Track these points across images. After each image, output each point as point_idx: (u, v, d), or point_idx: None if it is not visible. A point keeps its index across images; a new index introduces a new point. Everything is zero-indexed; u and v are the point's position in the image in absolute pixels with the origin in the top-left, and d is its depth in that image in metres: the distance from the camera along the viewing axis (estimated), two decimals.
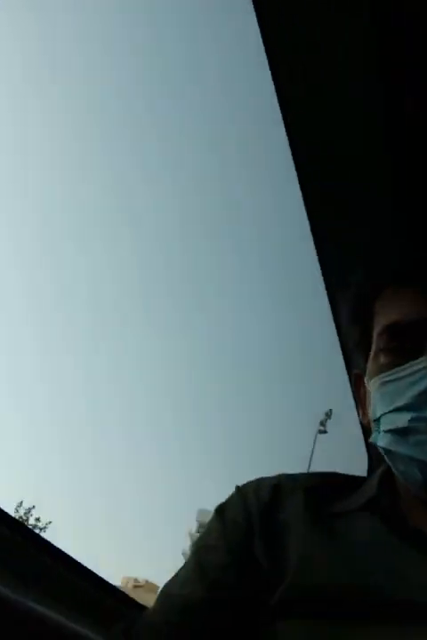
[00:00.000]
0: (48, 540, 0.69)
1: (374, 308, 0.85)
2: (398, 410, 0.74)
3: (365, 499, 0.77)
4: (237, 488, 0.83)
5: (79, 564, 0.75)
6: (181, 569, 0.77)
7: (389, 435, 0.75)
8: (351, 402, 1.35)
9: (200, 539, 0.80)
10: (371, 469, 1.80)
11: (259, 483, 0.83)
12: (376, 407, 0.79)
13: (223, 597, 0.70)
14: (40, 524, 15.57)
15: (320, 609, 0.63)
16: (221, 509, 0.82)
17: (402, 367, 0.75)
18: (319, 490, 0.82)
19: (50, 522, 15.89)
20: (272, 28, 0.90)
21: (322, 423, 10.95)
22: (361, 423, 1.55)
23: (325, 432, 10.79)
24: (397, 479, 0.82)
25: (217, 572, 0.72)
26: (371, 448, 1.78)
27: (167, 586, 0.75)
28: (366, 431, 1.69)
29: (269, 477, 0.85)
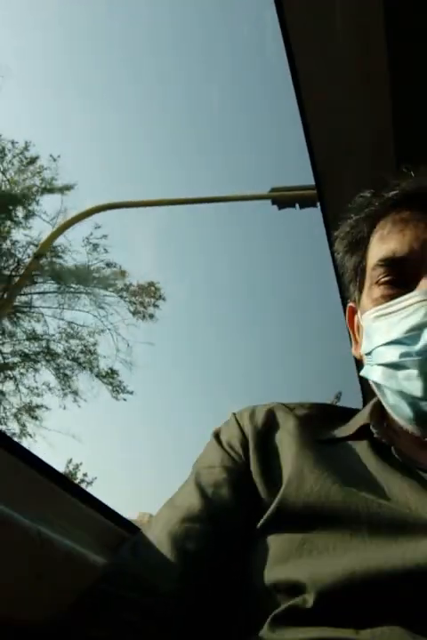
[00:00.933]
0: (56, 469, 0.69)
1: (371, 240, 0.83)
2: (389, 343, 0.73)
3: (356, 427, 0.78)
4: (233, 414, 0.86)
5: (87, 492, 0.76)
6: (180, 487, 0.79)
7: (380, 368, 0.75)
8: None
9: (198, 460, 0.83)
10: (365, 402, 1.84)
11: (254, 408, 0.86)
12: (369, 341, 0.79)
13: (220, 512, 0.72)
14: (87, 479, 15.61)
15: (309, 524, 0.65)
16: (217, 433, 0.85)
17: (395, 300, 0.74)
18: (313, 418, 0.84)
19: (95, 477, 15.88)
20: None
21: None
22: (354, 356, 1.58)
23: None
24: (387, 411, 0.83)
25: (214, 489, 0.74)
26: (364, 381, 1.82)
27: (169, 501, 0.78)
28: (359, 364, 1.73)
29: (263, 404, 0.87)
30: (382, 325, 0.76)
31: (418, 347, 0.69)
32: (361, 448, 0.75)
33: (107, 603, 0.64)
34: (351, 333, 0.92)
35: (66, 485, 0.70)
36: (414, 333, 0.70)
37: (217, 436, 0.84)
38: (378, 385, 0.77)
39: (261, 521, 0.70)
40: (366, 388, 1.78)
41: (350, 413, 0.87)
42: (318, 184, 1.12)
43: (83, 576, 0.66)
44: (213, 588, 0.69)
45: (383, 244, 0.79)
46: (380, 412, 0.82)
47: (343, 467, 0.72)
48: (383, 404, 0.79)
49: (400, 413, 0.74)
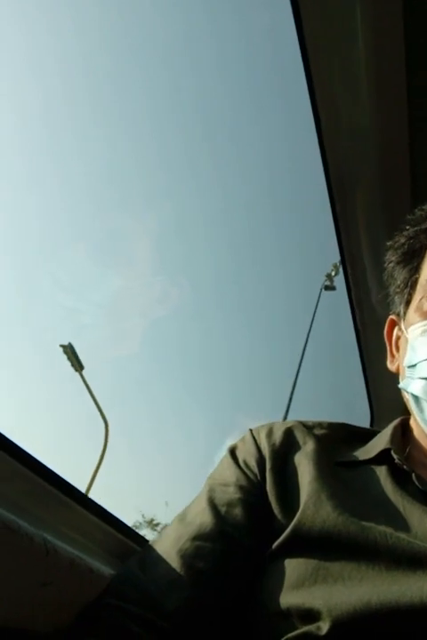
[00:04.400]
0: (63, 478, 0.69)
1: (426, 253, 0.82)
2: None
3: (376, 451, 0.77)
4: (250, 430, 0.84)
5: (93, 501, 0.76)
6: (193, 502, 0.78)
7: (423, 382, 0.74)
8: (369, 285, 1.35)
9: (212, 476, 0.81)
10: (372, 421, 1.83)
11: (272, 426, 0.84)
12: (414, 353, 0.77)
13: (232, 532, 0.71)
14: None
15: (324, 551, 0.64)
16: (233, 449, 0.83)
17: None
18: (331, 438, 0.82)
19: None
20: None
21: (329, 277, 8.77)
22: (366, 378, 1.56)
23: (332, 288, 8.63)
24: (414, 433, 0.82)
25: (227, 508, 0.73)
26: (374, 401, 1.81)
27: (180, 515, 0.77)
28: (371, 386, 1.71)
29: (282, 422, 0.85)
30: None
31: None
32: (381, 473, 0.73)
33: (113, 616, 0.64)
34: (388, 346, 0.90)
35: (72, 493, 0.70)
36: None
37: (233, 452, 0.83)
38: (417, 399, 0.75)
39: (276, 544, 0.68)
40: (376, 407, 1.77)
41: (369, 434, 0.86)
42: (332, 201, 1.12)
43: (88, 585, 0.66)
44: (221, 609, 0.68)
45: None
46: (401, 436, 0.81)
47: (362, 493, 0.71)
48: (418, 420, 0.77)
49: None
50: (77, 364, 8.56)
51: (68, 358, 8.52)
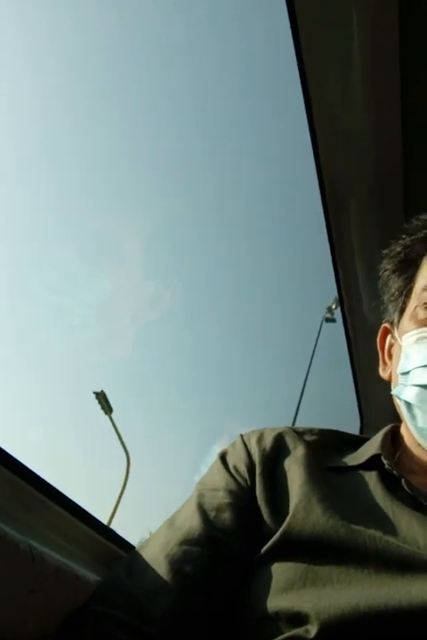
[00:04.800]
0: (51, 483, 0.68)
1: (424, 262, 0.83)
2: None
3: (366, 456, 0.77)
4: (241, 436, 0.84)
5: (79, 506, 0.75)
6: (182, 507, 0.78)
7: (416, 389, 0.74)
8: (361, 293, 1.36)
9: (201, 481, 0.81)
10: (362, 428, 1.83)
11: (262, 432, 0.84)
12: (407, 361, 0.78)
13: (221, 537, 0.71)
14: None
15: (314, 554, 0.64)
16: (223, 454, 0.83)
17: None
18: (322, 444, 0.83)
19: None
20: None
21: (329, 310, 9.23)
22: (356, 386, 1.56)
23: (332, 320, 9.07)
24: (404, 439, 0.82)
25: (216, 513, 0.73)
26: (364, 409, 1.81)
27: (169, 520, 0.76)
28: (361, 393, 1.72)
29: (272, 428, 0.85)
30: (424, 347, 0.75)
31: None
32: (370, 479, 0.74)
33: (99, 623, 0.63)
34: (381, 354, 0.91)
35: (58, 499, 0.69)
36: None
37: (223, 457, 0.83)
38: (409, 405, 0.76)
39: (265, 548, 0.68)
40: (366, 415, 1.77)
41: (359, 441, 0.86)
42: (326, 210, 1.12)
43: (74, 592, 0.65)
44: (210, 614, 0.68)
45: None
46: (391, 443, 0.82)
47: (352, 498, 0.71)
48: (409, 427, 0.77)
49: None
50: (107, 408, 9.31)
51: (99, 402, 9.29)
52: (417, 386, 0.74)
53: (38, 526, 0.64)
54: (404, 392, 0.77)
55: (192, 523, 0.73)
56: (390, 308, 0.88)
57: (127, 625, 0.62)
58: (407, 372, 0.77)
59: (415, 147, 0.99)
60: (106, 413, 9.39)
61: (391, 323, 0.87)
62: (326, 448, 0.83)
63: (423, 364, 0.74)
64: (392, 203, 1.10)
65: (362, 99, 0.90)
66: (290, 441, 0.81)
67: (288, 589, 0.63)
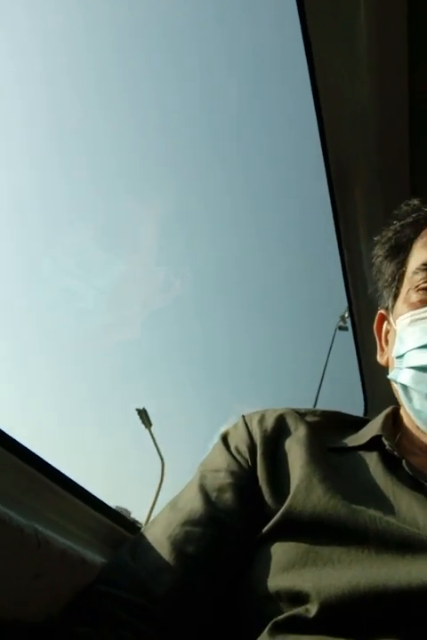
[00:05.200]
0: (54, 466, 0.68)
1: (414, 246, 0.83)
2: (424, 347, 0.73)
3: (368, 437, 0.77)
4: (243, 417, 0.85)
5: (84, 489, 0.75)
6: (184, 489, 0.79)
7: (411, 371, 0.75)
8: (366, 275, 1.37)
9: (204, 462, 0.81)
10: (366, 411, 1.83)
11: (264, 413, 0.84)
12: (401, 344, 0.78)
13: (223, 517, 0.72)
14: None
15: (314, 534, 0.64)
16: (225, 436, 0.84)
17: None
18: (324, 425, 0.83)
19: None
20: None
21: (343, 318, 9.38)
22: (360, 367, 1.56)
23: (345, 328, 9.18)
24: (404, 421, 0.83)
25: (218, 494, 0.74)
26: (368, 391, 1.81)
27: (171, 502, 0.77)
28: (365, 374, 1.72)
29: (274, 409, 0.86)
30: (417, 329, 0.75)
31: None
32: (371, 459, 0.74)
33: (102, 603, 0.64)
34: (378, 340, 0.91)
35: (64, 482, 0.69)
36: None
37: (225, 439, 0.83)
38: (405, 388, 0.76)
39: (266, 528, 0.69)
40: (370, 397, 1.78)
41: (361, 422, 0.87)
42: (332, 193, 1.11)
43: (80, 575, 0.66)
44: (212, 593, 0.69)
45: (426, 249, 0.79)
46: (392, 424, 0.82)
47: (352, 479, 0.71)
48: (407, 409, 0.78)
49: (425, 418, 0.74)
50: (147, 423, 10.30)
51: (141, 418, 10.26)
52: (412, 368, 0.75)
53: (43, 510, 0.64)
54: (400, 375, 0.77)
55: (194, 504, 0.73)
56: (385, 294, 0.88)
57: (130, 604, 0.63)
58: (402, 355, 0.77)
59: (422, 126, 0.98)
60: (146, 427, 10.46)
61: (387, 308, 0.88)
62: (328, 429, 0.83)
63: (417, 345, 0.74)
64: (399, 183, 1.09)
65: (369, 75, 0.89)
66: (291, 422, 0.82)
67: (289, 569, 0.63)
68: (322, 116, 0.95)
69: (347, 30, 0.84)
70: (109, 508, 0.80)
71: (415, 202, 0.86)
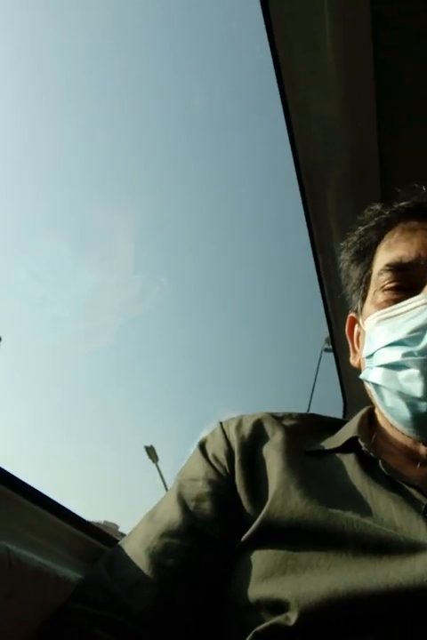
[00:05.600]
0: (25, 481, 0.67)
1: (378, 249, 0.84)
2: (391, 345, 0.73)
3: (344, 439, 0.77)
4: (220, 423, 0.85)
5: (58, 504, 0.74)
6: (162, 499, 0.78)
7: (381, 370, 0.75)
8: (340, 276, 1.38)
9: (181, 471, 0.81)
10: (345, 413, 1.85)
11: (241, 418, 0.84)
12: (370, 343, 0.79)
13: (202, 528, 0.71)
14: None
15: (293, 541, 0.64)
16: (203, 443, 0.83)
17: (400, 304, 0.75)
18: (301, 428, 0.83)
19: None
20: None
21: (328, 341, 10.07)
22: (338, 368, 1.57)
23: (330, 350, 9.91)
24: (379, 421, 0.83)
25: (196, 503, 0.73)
26: (346, 392, 1.82)
27: (149, 514, 0.76)
28: (343, 375, 1.73)
29: (251, 414, 0.85)
30: (385, 328, 0.76)
31: (420, 346, 0.69)
32: (348, 461, 0.74)
33: (78, 621, 0.63)
34: (350, 343, 0.92)
35: (35, 497, 0.68)
36: (417, 334, 0.71)
37: (202, 446, 0.83)
38: (377, 387, 0.77)
39: (245, 536, 0.68)
40: (348, 398, 1.79)
41: (338, 424, 0.87)
42: (304, 196, 1.12)
43: (54, 593, 0.65)
44: (192, 604, 0.68)
45: (391, 251, 0.80)
46: (368, 425, 0.82)
47: (330, 482, 0.71)
48: (380, 408, 0.78)
49: (398, 416, 0.74)
50: (154, 458, 10.88)
51: (148, 454, 10.88)
52: (382, 366, 0.75)
53: (14, 527, 0.63)
54: (371, 374, 0.78)
55: (172, 514, 0.72)
56: (354, 297, 0.89)
57: (107, 621, 0.62)
58: (372, 355, 0.78)
59: (390, 132, 0.99)
60: (153, 462, 11.04)
61: (356, 311, 0.89)
62: (305, 432, 0.83)
63: (385, 343, 0.75)
64: (370, 189, 1.10)
65: (336, 84, 0.90)
66: (269, 426, 0.81)
67: (268, 577, 0.63)
68: (291, 124, 0.96)
69: (314, 40, 0.85)
70: (85, 521, 0.79)
71: (377, 206, 0.88)
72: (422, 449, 0.74)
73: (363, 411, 0.86)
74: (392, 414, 0.75)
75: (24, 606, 0.60)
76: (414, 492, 0.66)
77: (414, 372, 0.69)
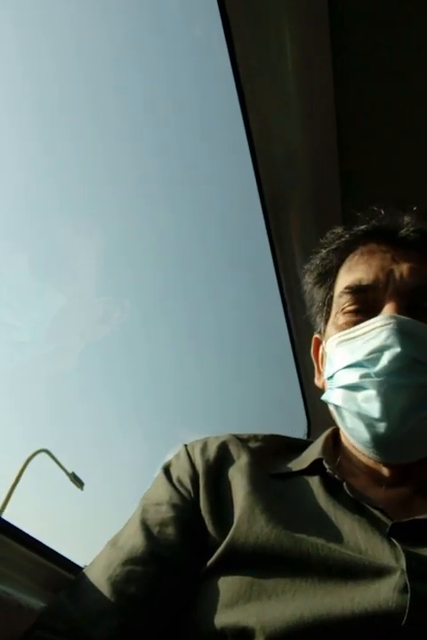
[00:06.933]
0: None
1: (339, 272, 0.86)
2: (350, 366, 0.74)
3: (309, 461, 0.77)
4: (185, 446, 0.83)
5: (20, 530, 0.72)
6: (126, 525, 0.76)
7: (340, 391, 0.76)
8: (303, 296, 1.40)
9: (145, 496, 0.79)
10: (309, 434, 1.86)
11: (206, 441, 0.83)
12: (331, 365, 0.80)
13: (165, 554, 0.69)
14: None
15: (258, 567, 0.63)
16: (167, 467, 0.82)
17: (359, 325, 0.76)
18: (266, 450, 0.83)
19: None
20: None
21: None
22: (302, 388, 1.59)
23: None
24: (342, 441, 0.84)
25: (160, 529, 0.71)
26: (310, 412, 1.84)
27: (112, 540, 0.74)
28: (307, 395, 1.74)
29: (216, 436, 0.85)
30: (344, 349, 0.77)
31: (377, 368, 0.70)
32: (313, 483, 0.74)
33: None
34: (315, 364, 0.93)
35: None
36: (374, 356, 0.71)
37: (167, 470, 0.81)
38: (338, 408, 0.77)
39: (210, 562, 0.67)
40: (312, 418, 1.80)
41: (302, 445, 0.87)
42: (267, 220, 1.14)
43: (17, 621, 0.63)
44: (156, 632, 0.66)
45: (350, 273, 0.81)
46: (333, 446, 0.83)
47: (295, 506, 0.71)
48: (342, 429, 0.79)
49: (358, 437, 0.74)
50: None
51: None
52: (341, 387, 0.76)
53: None
54: (332, 396, 0.78)
55: (135, 540, 0.71)
56: (318, 319, 0.91)
57: None
58: (332, 376, 0.79)
59: (350, 157, 1.03)
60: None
61: (320, 333, 0.90)
62: (270, 454, 0.83)
63: (344, 365, 0.76)
64: (331, 212, 1.13)
65: (298, 112, 0.92)
66: (234, 449, 0.81)
67: (233, 604, 0.61)
68: (255, 150, 0.98)
69: (276, 68, 0.88)
70: (48, 548, 0.77)
71: (339, 230, 0.89)
72: (384, 470, 0.75)
73: (328, 431, 0.86)
74: (353, 435, 0.75)
75: None
76: (378, 514, 0.66)
77: (372, 393, 0.70)
